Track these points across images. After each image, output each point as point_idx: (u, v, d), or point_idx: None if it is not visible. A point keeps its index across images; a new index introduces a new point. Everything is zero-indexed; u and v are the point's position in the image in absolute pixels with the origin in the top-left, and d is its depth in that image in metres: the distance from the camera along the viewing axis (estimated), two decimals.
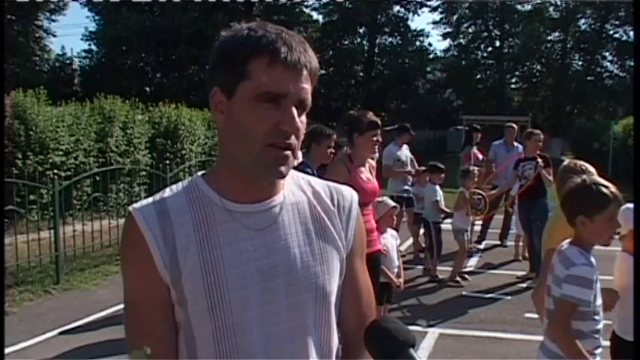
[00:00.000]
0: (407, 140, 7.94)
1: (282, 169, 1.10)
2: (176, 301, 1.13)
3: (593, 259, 2.31)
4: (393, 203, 4.89)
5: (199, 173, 1.22)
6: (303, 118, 1.13)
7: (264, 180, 1.14)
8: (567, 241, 2.42)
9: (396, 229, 5.26)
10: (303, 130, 1.13)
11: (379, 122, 4.04)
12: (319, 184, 1.28)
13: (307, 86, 1.11)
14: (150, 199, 1.17)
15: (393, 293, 4.95)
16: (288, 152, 1.10)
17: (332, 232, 1.22)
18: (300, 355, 1.16)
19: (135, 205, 1.15)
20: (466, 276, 6.96)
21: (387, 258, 4.64)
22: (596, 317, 2.30)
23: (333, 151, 4.67)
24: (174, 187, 1.20)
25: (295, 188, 1.23)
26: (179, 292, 1.11)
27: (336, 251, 1.22)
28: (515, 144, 8.47)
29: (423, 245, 7.61)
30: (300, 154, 4.72)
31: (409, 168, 7.77)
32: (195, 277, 1.10)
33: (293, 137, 1.10)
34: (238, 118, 1.10)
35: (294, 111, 1.09)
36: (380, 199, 4.89)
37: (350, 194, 1.29)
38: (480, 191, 7.01)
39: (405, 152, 7.79)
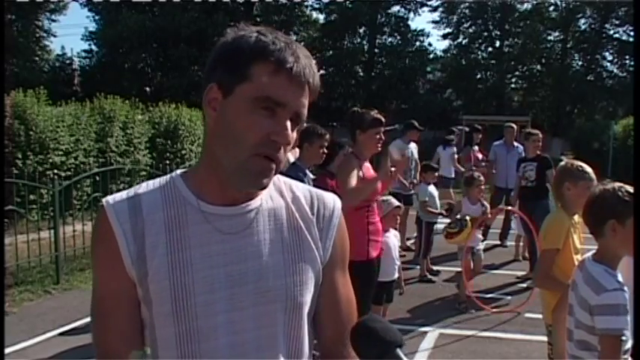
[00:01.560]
0: (415, 137, 7.92)
1: (265, 180, 1.09)
2: (142, 299, 1.11)
3: (620, 277, 2.20)
4: (397, 203, 4.86)
5: (179, 171, 1.19)
6: (295, 132, 1.11)
7: (244, 189, 1.12)
8: (589, 255, 2.32)
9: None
10: (292, 145, 1.11)
11: (383, 119, 4.02)
12: (301, 189, 1.24)
13: (306, 101, 1.09)
14: (124, 193, 1.14)
15: (392, 293, 4.95)
16: (273, 165, 1.08)
17: (308, 241, 1.18)
18: None
19: (108, 198, 1.13)
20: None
21: (387, 257, 4.63)
22: (624, 338, 2.15)
23: (325, 151, 4.63)
24: (150, 182, 1.17)
25: (275, 193, 1.20)
26: (144, 291, 1.09)
27: (312, 262, 1.18)
28: (516, 144, 8.49)
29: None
30: (297, 151, 4.72)
31: (412, 166, 7.78)
32: (162, 278, 1.08)
33: (282, 150, 1.08)
34: (231, 119, 1.07)
35: (289, 124, 1.07)
36: (384, 197, 4.88)
37: (332, 202, 1.25)
38: (466, 217, 5.82)
39: (412, 149, 7.77)
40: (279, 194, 1.20)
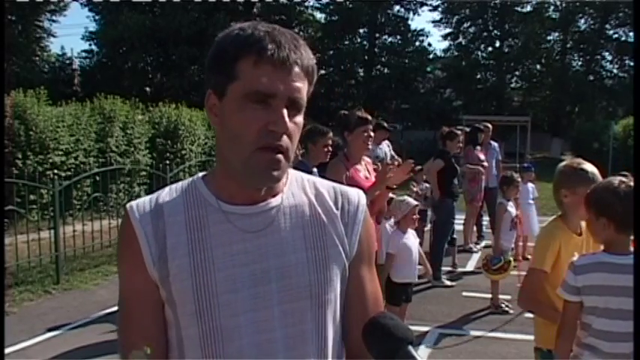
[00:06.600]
0: (384, 137, 7.81)
1: (275, 173, 1.07)
2: (165, 301, 1.12)
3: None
4: (415, 202, 4.75)
5: (200, 174, 1.20)
6: (298, 118, 1.09)
7: (257, 185, 1.11)
8: (608, 255, 2.20)
9: None
10: (297, 132, 1.09)
11: (368, 118, 4.03)
12: (324, 185, 1.23)
13: (300, 85, 1.07)
14: (147, 197, 1.17)
15: (410, 294, 4.77)
16: (280, 156, 1.06)
17: (332, 237, 1.16)
18: None
19: (132, 203, 1.16)
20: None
21: (406, 258, 4.57)
22: None
23: (330, 149, 4.67)
24: (173, 186, 1.19)
25: (297, 190, 1.18)
26: (167, 292, 1.10)
27: (337, 258, 1.16)
28: (492, 143, 8.90)
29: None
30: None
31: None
32: (184, 278, 1.08)
33: (284, 138, 1.06)
34: (228, 119, 1.08)
35: (285, 111, 1.05)
36: (401, 198, 4.84)
37: (357, 197, 1.23)
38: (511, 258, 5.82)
39: (384, 150, 7.71)
40: (302, 191, 1.19)
